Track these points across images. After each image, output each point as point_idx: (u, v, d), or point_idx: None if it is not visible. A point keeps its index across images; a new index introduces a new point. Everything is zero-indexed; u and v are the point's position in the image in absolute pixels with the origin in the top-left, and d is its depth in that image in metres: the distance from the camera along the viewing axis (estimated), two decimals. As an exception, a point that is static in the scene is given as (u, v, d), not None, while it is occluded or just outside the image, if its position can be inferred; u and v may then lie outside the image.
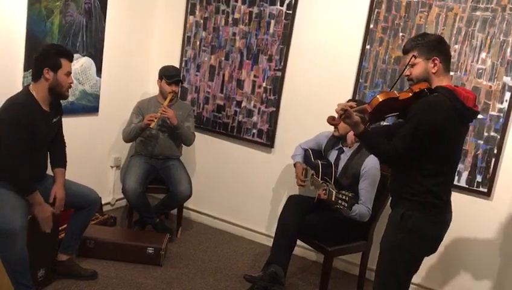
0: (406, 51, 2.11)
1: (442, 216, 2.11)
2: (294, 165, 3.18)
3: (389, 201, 2.41)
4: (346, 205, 2.51)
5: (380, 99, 2.00)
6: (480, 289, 3.09)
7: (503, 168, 2.98)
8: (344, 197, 2.51)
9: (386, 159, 2.12)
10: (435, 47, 2.04)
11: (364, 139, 2.11)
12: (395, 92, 2.06)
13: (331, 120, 2.09)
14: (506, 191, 2.98)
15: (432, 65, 2.03)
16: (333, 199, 2.58)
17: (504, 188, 2.99)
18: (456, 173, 3.04)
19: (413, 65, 2.07)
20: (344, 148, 3.04)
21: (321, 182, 2.84)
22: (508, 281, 3.02)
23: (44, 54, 2.51)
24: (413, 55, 2.05)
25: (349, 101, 2.99)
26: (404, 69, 2.11)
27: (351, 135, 2.83)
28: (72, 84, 2.61)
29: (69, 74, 2.55)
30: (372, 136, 2.11)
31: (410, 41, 2.10)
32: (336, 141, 3.10)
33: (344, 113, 2.02)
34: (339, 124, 2.14)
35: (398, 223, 2.08)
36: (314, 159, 3.09)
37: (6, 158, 2.38)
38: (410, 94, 2.03)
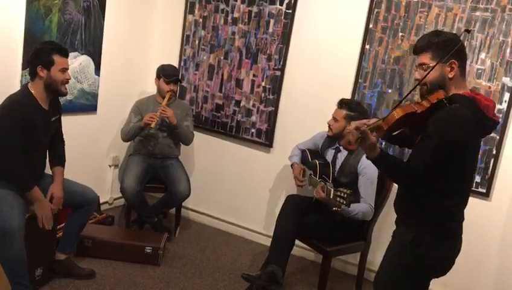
0: (418, 51, 1.84)
1: (454, 239, 1.90)
2: (292, 165, 3.17)
3: (393, 216, 2.26)
4: (344, 202, 2.48)
5: (397, 117, 1.75)
6: (479, 289, 3.10)
7: (502, 169, 2.98)
8: (342, 195, 2.48)
9: (408, 181, 1.85)
10: (453, 48, 1.76)
11: (383, 163, 1.84)
12: (412, 105, 1.80)
13: (346, 144, 1.89)
14: (505, 191, 2.99)
15: (449, 69, 1.78)
16: (331, 197, 2.57)
17: (503, 189, 2.99)
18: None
19: (426, 68, 1.80)
20: (341, 147, 3.04)
21: (319, 180, 2.84)
22: (507, 282, 3.02)
23: (36, 52, 2.50)
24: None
25: (341, 103, 2.96)
26: (422, 80, 1.81)
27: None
28: (68, 80, 2.58)
29: (64, 70, 2.52)
30: (390, 157, 1.89)
31: (423, 39, 1.84)
32: (332, 140, 3.09)
33: (361, 136, 1.75)
34: (356, 148, 1.95)
35: (406, 247, 1.87)
36: (311, 159, 3.09)
37: (3, 155, 2.37)
38: (427, 105, 1.77)
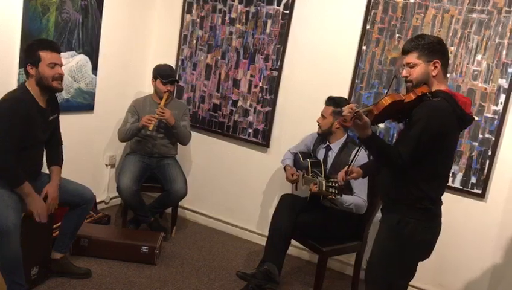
0: (405, 52, 2.04)
1: (435, 221, 2.08)
2: (284, 168, 3.21)
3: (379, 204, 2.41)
4: (336, 192, 2.56)
5: (387, 103, 1.97)
6: (474, 289, 3.12)
7: (498, 170, 3.00)
8: (334, 185, 2.56)
9: (393, 164, 2.01)
10: (437, 50, 2.00)
11: (373, 143, 2.01)
12: (401, 94, 2.04)
13: (342, 121, 2.03)
14: (500, 192, 3.00)
15: (433, 68, 2.00)
16: (324, 189, 2.63)
17: (498, 190, 3.00)
18: (451, 175, 3.07)
19: (412, 66, 2.02)
20: (331, 145, 3.07)
21: (311, 175, 2.88)
22: (502, 283, 3.04)
23: (25, 51, 2.52)
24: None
25: (329, 100, 3.06)
26: (397, 70, 2.14)
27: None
28: (61, 75, 2.53)
29: (53, 65, 2.47)
30: (380, 140, 2.06)
31: (410, 41, 2.04)
32: (323, 139, 3.13)
33: (355, 115, 1.94)
34: (351, 126, 2.09)
35: (393, 230, 2.03)
36: (303, 160, 3.12)
37: None
38: (414, 97, 1.99)
